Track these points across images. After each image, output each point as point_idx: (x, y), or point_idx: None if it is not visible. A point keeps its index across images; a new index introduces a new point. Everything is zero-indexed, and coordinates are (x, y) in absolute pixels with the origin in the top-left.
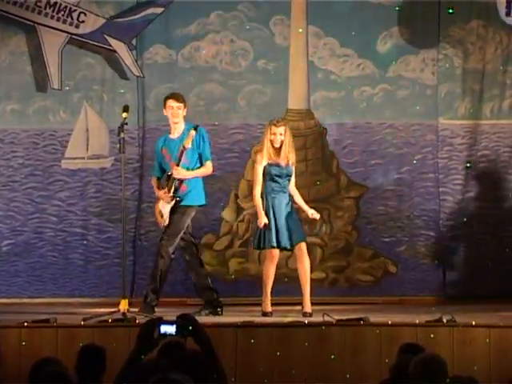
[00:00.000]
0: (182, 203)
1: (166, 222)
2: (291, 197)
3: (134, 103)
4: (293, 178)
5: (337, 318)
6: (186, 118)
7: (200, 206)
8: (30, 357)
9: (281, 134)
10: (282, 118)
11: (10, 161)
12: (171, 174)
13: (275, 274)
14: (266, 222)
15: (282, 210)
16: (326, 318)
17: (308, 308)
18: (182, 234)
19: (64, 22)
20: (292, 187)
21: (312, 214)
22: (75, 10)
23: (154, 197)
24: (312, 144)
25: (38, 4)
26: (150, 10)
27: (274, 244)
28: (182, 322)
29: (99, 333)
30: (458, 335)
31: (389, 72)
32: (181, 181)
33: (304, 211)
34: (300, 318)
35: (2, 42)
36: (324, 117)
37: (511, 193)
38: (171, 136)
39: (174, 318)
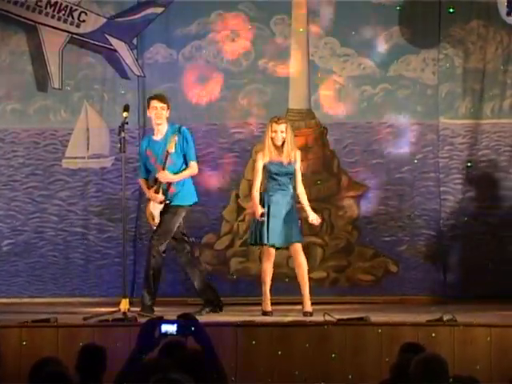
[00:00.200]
0: (172, 203)
1: (157, 221)
2: (296, 196)
3: (134, 103)
4: (298, 177)
5: (338, 317)
6: (169, 120)
7: (191, 205)
8: (30, 356)
9: (282, 132)
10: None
11: (11, 160)
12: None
13: (275, 274)
14: (264, 210)
15: (280, 208)
16: (327, 318)
17: (308, 307)
18: (172, 233)
19: (65, 21)
20: (299, 186)
21: (312, 220)
22: (76, 10)
23: None
24: (313, 144)
25: (39, 3)
26: (151, 10)
27: (265, 241)
28: (183, 321)
29: (100, 332)
30: (459, 335)
31: (389, 72)
32: (169, 184)
33: (305, 212)
34: (300, 318)
35: (2, 41)
36: (325, 116)
37: None
38: (155, 137)
39: (175, 318)
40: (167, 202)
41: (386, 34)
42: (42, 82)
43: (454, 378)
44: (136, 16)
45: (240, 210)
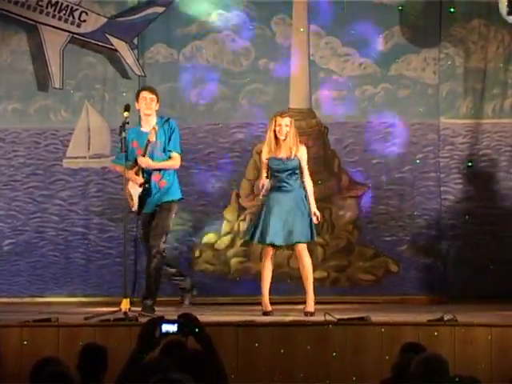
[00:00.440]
0: (165, 199)
1: (136, 206)
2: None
3: (135, 102)
4: (305, 172)
5: (338, 317)
6: (158, 113)
7: (179, 200)
8: (31, 356)
9: (286, 126)
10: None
11: (12, 160)
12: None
13: (276, 273)
14: (265, 182)
15: (281, 206)
16: (328, 318)
17: (310, 308)
18: (169, 230)
19: (65, 21)
20: (306, 181)
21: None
22: (77, 9)
23: None
24: (313, 143)
25: (40, 3)
26: (152, 10)
27: (264, 240)
28: (184, 320)
29: (101, 332)
30: (460, 334)
31: (390, 71)
32: (160, 177)
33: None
34: (301, 318)
35: (3, 41)
36: (325, 116)
37: None
38: (142, 129)
39: (175, 317)
40: (147, 185)
41: (387, 34)
42: (42, 82)
43: (455, 378)
44: (137, 16)
45: (241, 209)
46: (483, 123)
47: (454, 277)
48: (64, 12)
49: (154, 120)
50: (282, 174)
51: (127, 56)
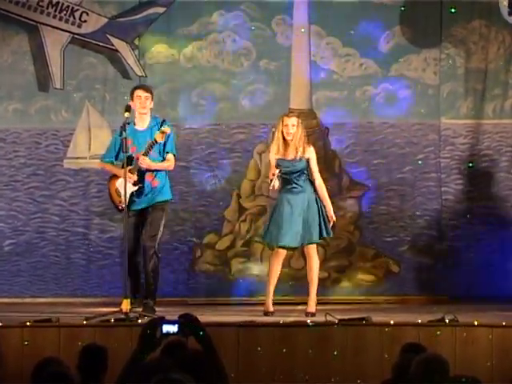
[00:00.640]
0: (159, 199)
1: (123, 203)
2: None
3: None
4: (316, 174)
5: (339, 317)
6: (152, 111)
7: (170, 200)
8: (32, 356)
9: (293, 126)
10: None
11: (12, 160)
12: (136, 160)
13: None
14: (276, 171)
15: (292, 209)
16: (329, 318)
17: (311, 308)
18: (162, 230)
19: (66, 21)
20: (317, 183)
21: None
22: (77, 10)
23: None
24: (314, 143)
25: (40, 3)
26: (152, 10)
27: (277, 242)
28: (184, 321)
29: (101, 332)
30: (461, 335)
31: (391, 71)
32: (153, 176)
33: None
34: (302, 318)
35: (3, 41)
36: (326, 116)
37: None
38: (137, 127)
39: (176, 318)
40: (141, 184)
41: (388, 34)
42: (43, 82)
43: (456, 379)
44: (137, 16)
45: (241, 210)
46: (484, 124)
47: (455, 277)
48: (65, 12)
49: (148, 119)
50: (291, 176)
51: (128, 56)
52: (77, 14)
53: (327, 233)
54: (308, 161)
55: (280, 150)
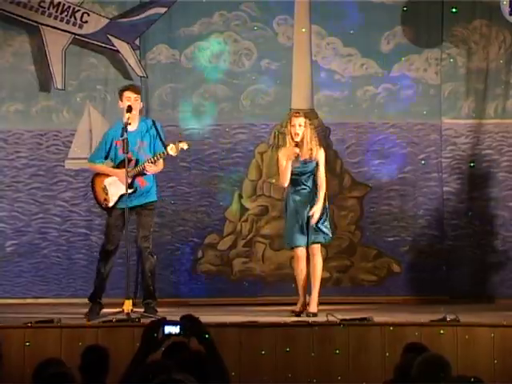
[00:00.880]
0: (149, 200)
1: (111, 203)
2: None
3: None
4: (322, 176)
5: (341, 317)
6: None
7: (156, 201)
8: (33, 357)
9: (300, 126)
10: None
11: (14, 161)
12: (141, 166)
13: (279, 273)
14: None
15: (301, 209)
16: (330, 318)
17: (313, 309)
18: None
19: (67, 22)
20: (319, 180)
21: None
22: (78, 11)
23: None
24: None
25: (42, 4)
26: (153, 10)
27: (291, 245)
28: (186, 322)
29: (103, 333)
30: (462, 335)
31: (392, 71)
32: (141, 176)
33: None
34: (304, 318)
35: (5, 42)
36: (327, 116)
37: None
38: (128, 128)
39: (178, 319)
40: (134, 189)
41: (389, 34)
42: (44, 83)
43: (458, 379)
44: (138, 16)
45: (243, 210)
46: (485, 123)
47: (457, 277)
48: (66, 13)
49: (137, 119)
50: (300, 177)
51: (129, 57)
52: (78, 15)
53: (328, 235)
54: (317, 163)
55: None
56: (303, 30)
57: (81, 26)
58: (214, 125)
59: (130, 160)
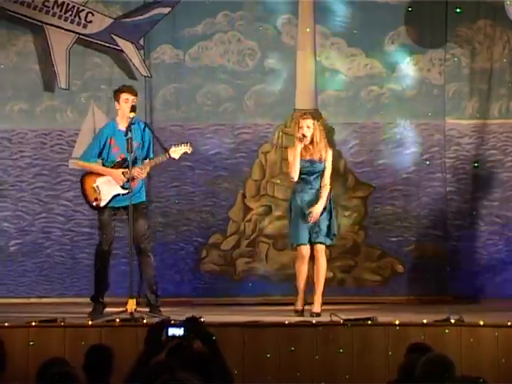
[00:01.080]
0: (140, 200)
1: (103, 202)
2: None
3: (141, 103)
4: (326, 173)
5: (344, 317)
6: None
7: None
8: (37, 356)
9: (308, 127)
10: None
11: (18, 161)
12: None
13: (282, 273)
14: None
15: (305, 208)
16: (334, 318)
17: (317, 309)
18: None
19: (72, 21)
20: (325, 180)
21: (309, 214)
22: (83, 10)
23: (162, 196)
24: None
25: (46, 4)
26: (158, 10)
27: (296, 242)
28: (190, 324)
29: (107, 333)
30: (466, 335)
31: (396, 72)
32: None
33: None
34: (307, 318)
35: (9, 41)
36: (331, 116)
37: None
38: (120, 127)
39: (181, 320)
40: (129, 190)
41: (393, 34)
42: (48, 83)
43: (461, 379)
44: (143, 16)
45: (246, 210)
46: (489, 124)
47: (460, 277)
48: (70, 13)
49: (129, 120)
50: (309, 177)
51: (133, 56)
52: (82, 15)
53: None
54: (326, 163)
55: (301, 152)
56: (307, 29)
57: (85, 26)
58: (217, 124)
59: (124, 160)
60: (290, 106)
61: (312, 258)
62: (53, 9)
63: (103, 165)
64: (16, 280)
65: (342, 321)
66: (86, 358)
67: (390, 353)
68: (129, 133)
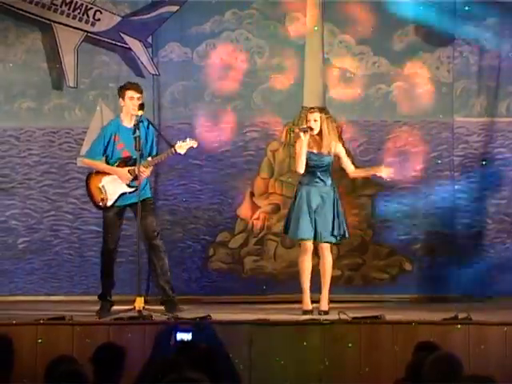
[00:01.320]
0: (146, 196)
1: (109, 202)
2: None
3: (149, 101)
4: (347, 162)
5: (352, 315)
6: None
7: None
8: (45, 354)
9: (315, 121)
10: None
11: (26, 159)
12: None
13: (290, 271)
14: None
15: (311, 201)
16: (342, 316)
17: (324, 307)
18: None
19: (80, 20)
20: (350, 168)
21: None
22: (91, 8)
23: (169, 194)
24: None
25: (54, 2)
26: (166, 8)
27: (290, 235)
28: (198, 330)
29: (115, 330)
30: (474, 333)
31: (404, 69)
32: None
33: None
34: (315, 316)
35: (17, 39)
36: (339, 114)
37: None
38: (125, 124)
39: (189, 316)
40: (135, 188)
41: (401, 32)
42: (57, 81)
43: (470, 378)
44: (151, 14)
45: (254, 208)
46: (497, 121)
47: (469, 275)
48: (78, 11)
49: (134, 117)
50: (316, 170)
51: (141, 54)
52: (90, 13)
53: (338, 235)
54: (337, 156)
55: (310, 144)
56: (315, 28)
57: (93, 24)
58: (225, 122)
59: (128, 157)
60: (298, 104)
61: (317, 254)
62: (61, 7)
63: (108, 162)
64: (24, 278)
65: (350, 319)
66: (97, 356)
67: (398, 351)
68: (137, 131)
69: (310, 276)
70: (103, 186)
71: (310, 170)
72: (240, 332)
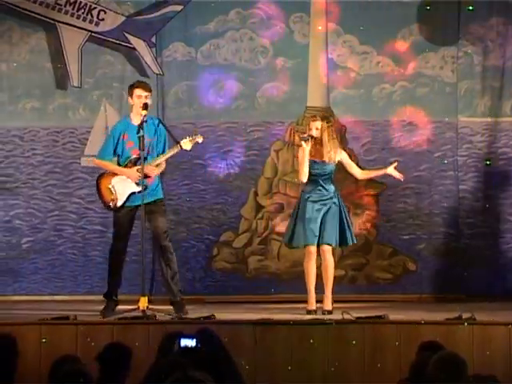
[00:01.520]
0: (158, 197)
1: (119, 202)
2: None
3: (153, 101)
4: (352, 166)
5: (356, 315)
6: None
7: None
8: (49, 354)
9: (317, 129)
10: (325, 113)
11: (30, 158)
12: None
13: (293, 271)
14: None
15: (315, 208)
16: (346, 316)
17: (328, 306)
18: None
19: (84, 19)
20: (357, 169)
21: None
22: (95, 8)
23: (173, 193)
24: None
25: (59, 2)
26: (170, 8)
27: (303, 243)
28: (202, 337)
29: (119, 330)
30: (478, 333)
31: (408, 69)
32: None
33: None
34: (319, 316)
35: (22, 39)
36: (343, 114)
37: None
38: (133, 123)
39: (193, 316)
40: (144, 187)
41: (405, 32)
42: (61, 81)
43: (473, 378)
44: (155, 14)
45: (258, 207)
46: (501, 121)
47: (472, 275)
48: (82, 11)
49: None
50: (319, 178)
51: (145, 54)
52: (94, 13)
53: (344, 241)
54: (340, 163)
55: (311, 152)
56: (319, 27)
57: (97, 24)
58: (229, 122)
59: (138, 158)
60: (302, 103)
61: (319, 255)
62: (65, 7)
63: (118, 162)
64: (28, 277)
65: (354, 319)
66: (104, 356)
67: (402, 351)
68: (141, 131)
69: (315, 278)
70: (113, 187)
71: (313, 178)
72: (244, 331)
